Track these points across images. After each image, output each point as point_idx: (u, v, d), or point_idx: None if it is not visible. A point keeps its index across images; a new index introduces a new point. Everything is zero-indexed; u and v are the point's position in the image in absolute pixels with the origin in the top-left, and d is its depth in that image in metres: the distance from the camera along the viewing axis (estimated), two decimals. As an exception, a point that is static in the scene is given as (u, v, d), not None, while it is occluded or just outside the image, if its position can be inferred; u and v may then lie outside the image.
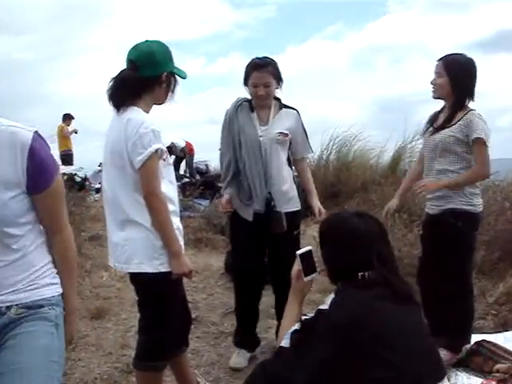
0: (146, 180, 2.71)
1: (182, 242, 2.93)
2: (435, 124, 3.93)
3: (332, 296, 2.33)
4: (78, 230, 7.47)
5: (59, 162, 13.94)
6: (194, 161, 16.50)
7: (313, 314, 2.31)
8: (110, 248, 2.98)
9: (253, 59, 4.02)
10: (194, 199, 11.04)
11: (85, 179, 12.98)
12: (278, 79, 4.03)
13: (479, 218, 3.86)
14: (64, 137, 15.05)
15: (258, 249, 4.15)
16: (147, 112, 2.89)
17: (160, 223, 2.76)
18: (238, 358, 4.16)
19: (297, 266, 2.55)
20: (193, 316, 5.01)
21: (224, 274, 6.41)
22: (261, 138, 3.98)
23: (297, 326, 2.35)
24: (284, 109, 4.13)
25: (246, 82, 4.03)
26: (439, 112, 3.97)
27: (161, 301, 2.88)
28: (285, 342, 2.33)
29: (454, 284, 3.80)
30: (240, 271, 4.23)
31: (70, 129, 15.16)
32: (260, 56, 4.04)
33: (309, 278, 2.53)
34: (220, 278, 6.43)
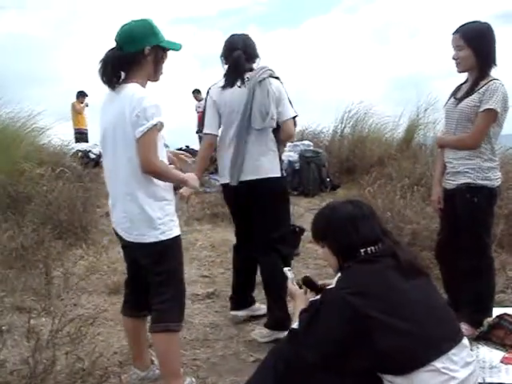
0: (144, 150, 2.89)
1: (175, 214, 3.21)
2: (457, 95, 3.84)
3: (338, 275, 2.34)
4: (93, 207, 7.50)
5: (73, 139, 13.98)
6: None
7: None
8: (113, 217, 3.23)
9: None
10: (210, 174, 11.02)
11: (99, 156, 12.97)
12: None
13: (496, 192, 3.78)
14: (78, 114, 15.06)
15: None
16: (144, 87, 3.05)
17: (166, 179, 3.07)
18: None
19: (291, 284, 2.76)
20: (211, 290, 5.08)
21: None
22: None
23: (303, 306, 2.41)
24: None
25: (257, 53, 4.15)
26: (462, 83, 3.88)
27: (164, 264, 3.09)
28: (296, 324, 2.36)
29: (473, 259, 3.75)
30: None
31: (81, 105, 15.14)
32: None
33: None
34: (237, 252, 6.40)
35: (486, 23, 3.71)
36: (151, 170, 2.93)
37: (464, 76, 3.85)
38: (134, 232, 3.07)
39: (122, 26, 3.06)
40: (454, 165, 3.79)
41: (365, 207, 2.48)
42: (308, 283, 2.72)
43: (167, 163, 3.17)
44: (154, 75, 3.14)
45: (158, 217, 3.01)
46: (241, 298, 4.48)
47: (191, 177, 3.23)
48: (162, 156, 3.08)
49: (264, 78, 3.96)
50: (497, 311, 3.88)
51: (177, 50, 3.16)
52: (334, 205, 2.59)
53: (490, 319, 3.75)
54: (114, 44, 3.06)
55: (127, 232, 3.11)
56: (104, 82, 3.06)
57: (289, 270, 2.86)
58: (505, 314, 3.77)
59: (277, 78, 4.06)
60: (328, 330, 2.16)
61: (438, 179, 4.01)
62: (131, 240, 3.11)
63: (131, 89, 2.97)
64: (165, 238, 3.03)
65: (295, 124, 4.12)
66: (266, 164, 4.01)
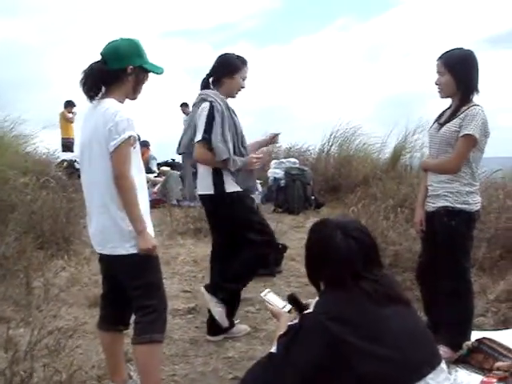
0: (117, 163, 2.96)
1: (150, 224, 3.15)
2: (440, 120, 3.89)
3: (316, 299, 2.35)
4: (77, 217, 7.46)
5: (60, 148, 13.93)
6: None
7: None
8: (89, 230, 3.26)
9: (233, 54, 4.36)
10: (194, 189, 11.02)
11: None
12: None
13: (475, 216, 3.80)
14: (66, 123, 15.01)
15: None
16: (121, 103, 3.12)
17: (126, 202, 2.99)
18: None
19: (271, 306, 2.75)
20: (192, 306, 5.06)
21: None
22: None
23: (282, 331, 2.38)
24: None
25: (232, 74, 4.28)
26: (446, 109, 3.92)
27: (140, 277, 3.12)
28: (274, 348, 2.34)
29: (452, 281, 3.76)
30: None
31: (70, 115, 15.09)
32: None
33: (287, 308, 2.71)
34: (219, 268, 6.38)
35: (468, 50, 3.77)
36: (121, 183, 2.96)
37: (449, 101, 3.89)
38: (107, 244, 3.11)
39: (110, 42, 3.14)
40: (434, 188, 3.83)
41: (355, 246, 2.40)
42: (293, 301, 2.71)
43: (143, 172, 3.25)
44: (133, 94, 3.21)
45: (130, 230, 3.02)
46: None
47: (145, 234, 3.06)
48: (140, 169, 3.16)
49: (194, 104, 4.33)
50: (476, 335, 3.88)
51: (158, 74, 3.24)
52: (326, 232, 2.42)
53: (469, 343, 3.76)
54: (99, 57, 3.14)
55: (100, 245, 3.16)
56: (83, 92, 3.14)
57: (267, 293, 2.83)
58: (484, 337, 3.78)
59: (210, 101, 4.19)
60: (306, 355, 2.15)
61: (421, 202, 4.03)
62: (105, 253, 3.16)
63: (106, 103, 3.05)
64: (136, 252, 3.04)
65: (207, 147, 4.16)
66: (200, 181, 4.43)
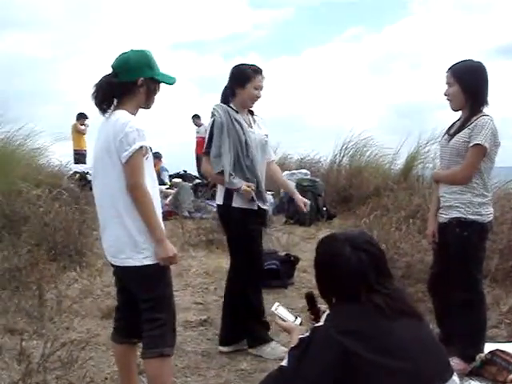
0: (130, 174, 2.97)
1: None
2: (450, 131, 3.91)
3: (327, 312, 2.34)
4: (89, 229, 7.49)
5: (72, 160, 14.00)
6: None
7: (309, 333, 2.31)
8: (103, 241, 3.25)
9: (245, 64, 4.37)
10: (206, 200, 11.04)
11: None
12: None
13: (487, 227, 3.80)
14: (78, 135, 15.09)
15: None
16: (134, 115, 3.13)
17: (143, 212, 3.00)
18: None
19: (281, 321, 2.71)
20: (203, 318, 5.06)
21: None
22: (255, 139, 4.33)
23: (294, 344, 2.35)
24: (255, 116, 4.49)
25: (242, 84, 4.27)
26: (457, 120, 3.94)
27: (152, 290, 3.11)
28: (285, 361, 2.32)
29: (465, 293, 3.75)
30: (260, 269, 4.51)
31: (82, 127, 15.18)
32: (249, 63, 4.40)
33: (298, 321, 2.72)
34: (231, 280, 6.38)
35: (478, 62, 3.80)
36: (136, 194, 2.97)
37: (460, 113, 3.91)
38: (120, 255, 3.09)
39: (120, 55, 3.16)
40: (446, 199, 3.83)
41: (365, 260, 2.38)
42: (309, 299, 2.72)
43: (156, 182, 3.24)
44: (145, 105, 3.22)
45: (142, 241, 3.02)
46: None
47: (165, 243, 3.10)
48: (153, 179, 3.16)
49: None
50: (490, 347, 3.86)
51: (170, 84, 3.25)
52: (335, 246, 2.38)
53: (482, 355, 3.74)
54: (110, 70, 3.16)
55: (114, 256, 3.15)
56: (95, 105, 3.16)
57: (277, 307, 2.82)
58: (497, 349, 3.76)
59: (214, 116, 4.30)
60: (317, 368, 2.14)
61: (434, 213, 4.04)
62: (118, 264, 3.15)
63: (116, 115, 3.07)
64: (149, 263, 3.04)
65: (207, 160, 4.34)
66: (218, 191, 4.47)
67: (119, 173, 2.99)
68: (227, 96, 4.36)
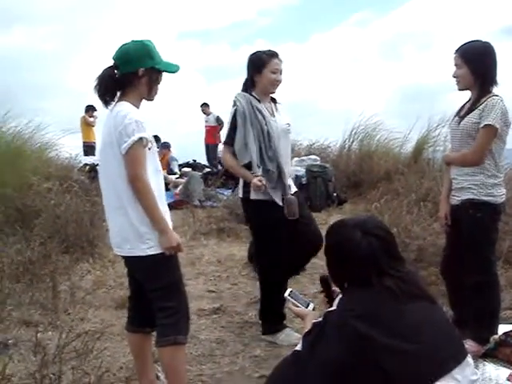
0: (130, 165, 2.98)
1: (170, 222, 3.15)
2: (460, 113, 3.89)
3: (339, 297, 2.35)
4: (100, 221, 7.51)
5: (82, 152, 14.04)
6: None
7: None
8: (110, 232, 3.27)
9: (260, 50, 4.29)
10: (216, 189, 11.06)
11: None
12: None
13: (500, 208, 3.80)
14: (86, 127, 15.13)
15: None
16: (137, 106, 3.15)
17: (144, 204, 3.00)
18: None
19: (294, 307, 2.75)
20: (217, 305, 5.08)
21: (247, 263, 6.40)
22: (277, 128, 4.26)
23: (308, 329, 2.37)
24: (277, 103, 4.43)
25: (259, 70, 4.23)
26: (466, 102, 3.92)
27: (158, 279, 3.12)
28: (299, 346, 2.34)
29: (478, 275, 3.75)
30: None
31: (91, 119, 15.22)
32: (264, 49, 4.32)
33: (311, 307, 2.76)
34: (243, 267, 6.42)
35: (486, 42, 3.78)
36: (136, 185, 2.97)
37: (468, 94, 3.89)
38: (125, 246, 3.11)
39: (121, 46, 3.15)
40: (458, 181, 3.83)
41: (375, 243, 2.38)
42: (324, 282, 2.74)
43: (160, 172, 3.25)
44: (148, 95, 3.21)
45: (146, 231, 3.03)
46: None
47: (168, 233, 3.06)
48: (157, 170, 3.17)
49: None
50: (504, 328, 3.86)
51: (173, 73, 3.23)
52: (345, 231, 2.41)
53: (496, 336, 3.74)
54: (111, 62, 3.16)
55: (119, 246, 3.17)
56: (99, 98, 3.17)
57: (290, 292, 2.83)
58: (511, 331, 3.76)
59: (235, 105, 4.28)
60: (332, 352, 2.15)
61: (445, 196, 4.04)
62: (123, 254, 3.17)
63: (118, 107, 3.09)
64: (153, 253, 3.05)
65: (228, 150, 4.33)
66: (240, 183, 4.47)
67: (120, 164, 3.01)
68: (248, 85, 4.33)
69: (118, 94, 3.16)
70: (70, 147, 12.26)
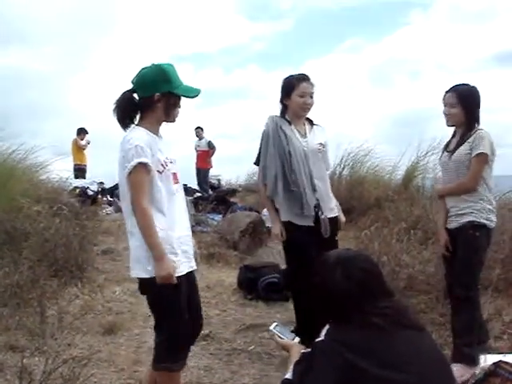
0: (131, 191, 3.03)
1: (191, 247, 3.31)
2: (449, 148, 4.16)
3: (326, 328, 2.32)
4: (90, 245, 7.49)
5: (72, 175, 14.03)
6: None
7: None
8: None
9: (291, 75, 4.37)
10: (207, 214, 11.04)
11: (97, 193, 13.01)
12: None
13: (491, 233, 4.08)
14: (78, 150, 15.13)
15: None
16: (155, 129, 3.19)
17: (140, 229, 3.02)
18: None
19: (279, 339, 2.70)
20: (205, 332, 5.02)
21: (236, 289, 6.37)
22: (305, 149, 4.30)
23: (297, 358, 2.38)
24: (314, 125, 4.48)
25: (288, 94, 4.32)
26: (452, 137, 4.21)
27: (161, 303, 3.14)
28: (289, 375, 2.33)
29: (466, 290, 3.97)
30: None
31: (83, 142, 15.23)
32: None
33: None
34: (232, 293, 6.39)
35: (474, 86, 4.10)
36: (134, 209, 3.01)
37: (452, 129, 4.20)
38: (134, 268, 3.15)
39: (140, 70, 3.18)
40: (459, 208, 4.05)
41: (355, 281, 2.38)
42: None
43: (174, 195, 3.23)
44: (167, 119, 3.23)
45: (146, 255, 3.04)
46: None
47: (163, 261, 3.01)
48: (170, 192, 3.18)
49: None
50: (493, 358, 3.84)
51: (191, 98, 3.22)
52: (326, 271, 2.37)
53: (485, 366, 3.73)
54: (129, 85, 3.20)
55: (131, 268, 3.19)
56: (117, 121, 3.19)
57: (275, 326, 2.79)
58: (500, 361, 3.74)
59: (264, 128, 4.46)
60: (321, 382, 2.14)
61: (443, 225, 4.24)
62: (133, 276, 3.21)
63: (129, 132, 3.14)
64: (150, 276, 3.04)
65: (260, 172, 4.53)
66: None
67: (127, 190, 3.07)
68: (282, 109, 4.43)
69: (138, 116, 3.20)
70: (60, 170, 12.25)
